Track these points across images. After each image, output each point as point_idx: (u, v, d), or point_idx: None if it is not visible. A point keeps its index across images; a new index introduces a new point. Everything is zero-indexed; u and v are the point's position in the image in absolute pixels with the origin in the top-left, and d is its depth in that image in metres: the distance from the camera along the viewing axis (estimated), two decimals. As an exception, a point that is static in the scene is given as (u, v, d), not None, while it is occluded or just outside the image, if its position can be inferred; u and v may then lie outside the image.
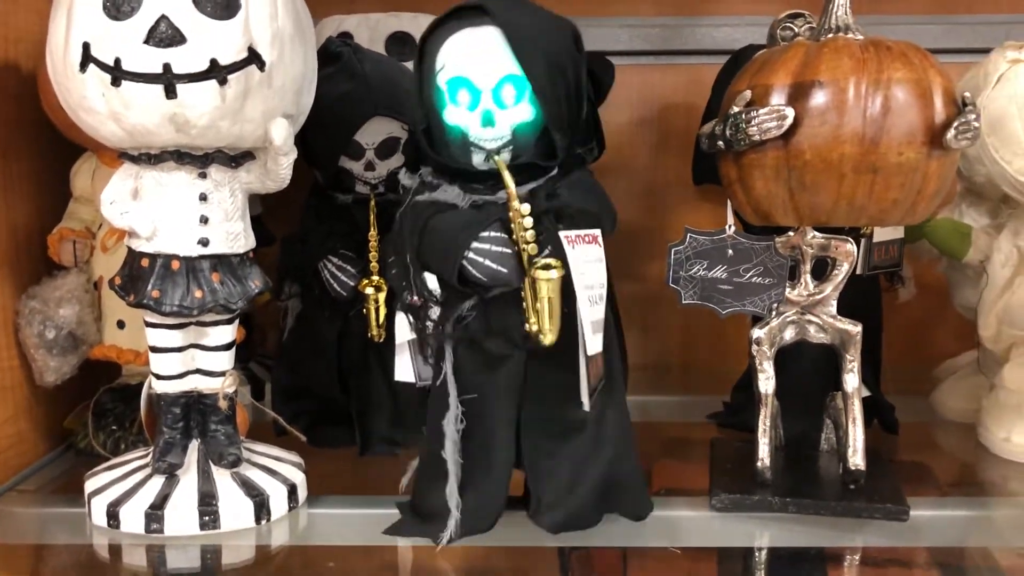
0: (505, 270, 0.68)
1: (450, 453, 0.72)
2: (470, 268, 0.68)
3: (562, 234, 0.68)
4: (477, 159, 0.70)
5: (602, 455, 0.74)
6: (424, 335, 0.75)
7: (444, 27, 0.70)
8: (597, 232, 0.70)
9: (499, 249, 0.68)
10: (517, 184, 0.68)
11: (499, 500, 0.74)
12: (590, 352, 0.69)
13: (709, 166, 0.99)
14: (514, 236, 0.68)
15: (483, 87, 0.69)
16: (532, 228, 0.67)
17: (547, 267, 0.67)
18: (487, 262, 0.68)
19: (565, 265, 0.67)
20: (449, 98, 0.69)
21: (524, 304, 0.68)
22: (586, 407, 0.70)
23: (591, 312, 0.68)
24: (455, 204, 0.71)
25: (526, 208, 0.68)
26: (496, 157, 0.69)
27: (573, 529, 0.74)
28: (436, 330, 0.73)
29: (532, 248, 0.67)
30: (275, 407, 0.97)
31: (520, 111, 0.69)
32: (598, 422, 0.74)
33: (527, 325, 0.68)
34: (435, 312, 0.73)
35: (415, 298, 0.72)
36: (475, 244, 0.68)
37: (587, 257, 0.69)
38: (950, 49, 1.17)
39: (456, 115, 0.69)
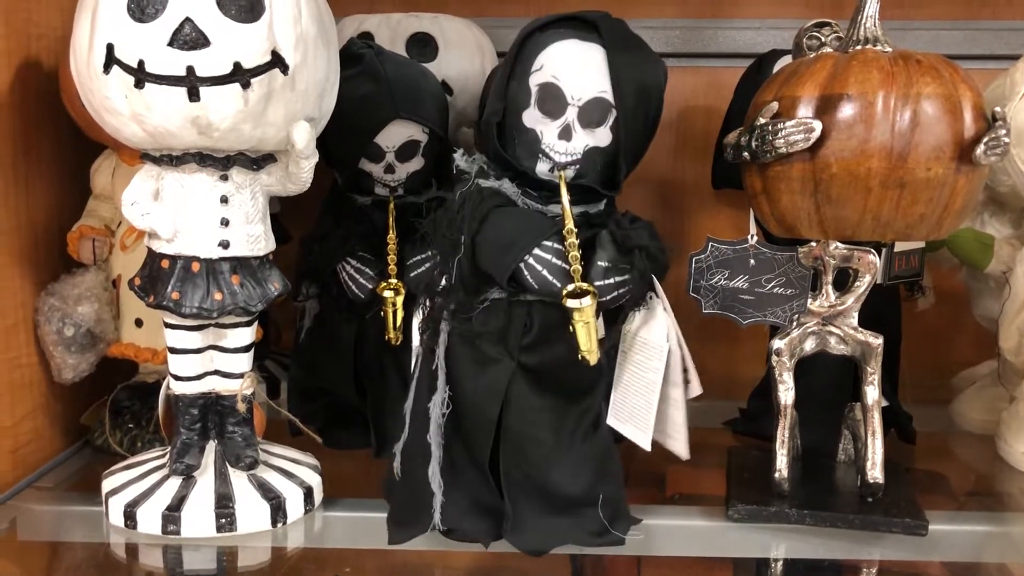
0: (559, 284, 0.68)
1: (434, 436, 0.73)
2: (525, 272, 0.68)
3: (661, 295, 0.71)
4: (542, 167, 0.70)
5: (578, 479, 0.73)
6: (435, 318, 0.74)
7: (552, 30, 0.70)
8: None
9: (558, 262, 0.68)
10: (572, 203, 0.68)
11: (480, 494, 0.73)
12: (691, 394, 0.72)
13: (728, 170, 0.98)
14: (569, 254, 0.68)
15: (572, 101, 0.69)
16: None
17: (580, 293, 0.67)
18: (544, 272, 0.68)
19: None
20: (535, 100, 0.69)
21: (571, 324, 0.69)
22: (685, 454, 0.73)
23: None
24: (515, 201, 0.71)
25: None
26: (560, 172, 0.69)
27: (545, 549, 0.72)
28: (440, 310, 0.73)
29: (575, 271, 0.67)
30: (290, 407, 0.97)
31: (599, 134, 0.69)
32: (576, 445, 0.73)
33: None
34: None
35: (445, 280, 0.72)
36: (537, 251, 0.68)
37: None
38: (974, 55, 1.16)
39: (536, 119, 0.69)
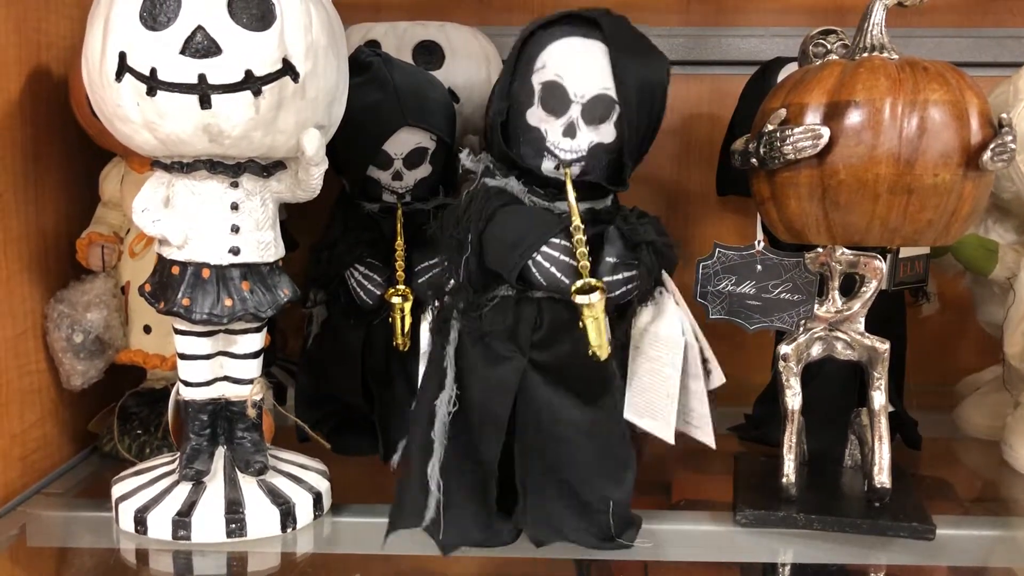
0: (567, 281, 0.68)
1: (438, 434, 0.73)
2: (533, 269, 0.69)
3: (672, 288, 0.72)
4: (547, 165, 0.71)
5: (589, 475, 0.74)
6: (444, 316, 0.75)
7: (553, 29, 0.70)
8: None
9: (566, 259, 0.69)
10: (578, 201, 0.69)
11: (478, 501, 0.73)
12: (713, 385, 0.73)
13: (733, 177, 0.99)
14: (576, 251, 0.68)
15: (575, 98, 0.69)
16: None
17: (589, 289, 0.67)
18: (552, 269, 0.68)
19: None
20: (539, 99, 0.69)
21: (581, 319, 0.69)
22: (711, 443, 0.73)
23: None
24: (521, 199, 0.71)
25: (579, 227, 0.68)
26: (566, 169, 0.69)
27: (547, 541, 0.73)
28: (449, 308, 0.73)
29: (582, 267, 0.67)
30: (298, 413, 0.98)
31: (603, 131, 0.70)
32: (590, 441, 0.73)
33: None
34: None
35: (454, 279, 0.72)
36: (545, 248, 0.68)
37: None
38: (977, 63, 1.16)
39: (540, 117, 0.70)
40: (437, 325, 0.75)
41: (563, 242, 0.69)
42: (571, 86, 0.69)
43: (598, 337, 0.68)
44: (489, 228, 0.69)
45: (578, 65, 0.69)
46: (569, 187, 0.69)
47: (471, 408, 0.73)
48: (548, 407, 0.72)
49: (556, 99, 0.69)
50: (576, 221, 0.68)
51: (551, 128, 0.70)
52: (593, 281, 0.68)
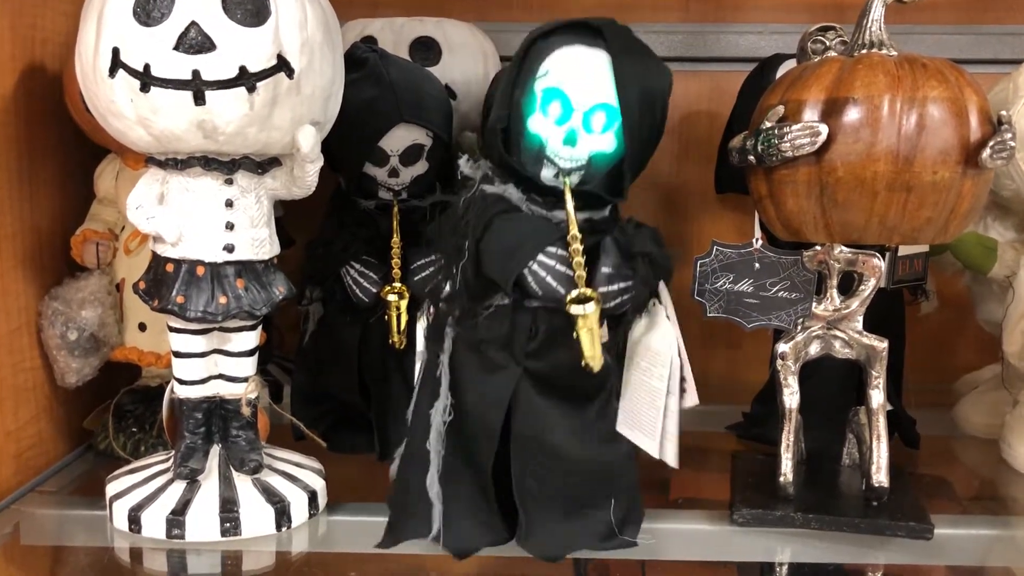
0: (563, 290, 0.68)
1: (434, 444, 0.72)
2: (529, 278, 0.68)
3: (666, 297, 0.71)
4: (546, 173, 0.70)
5: (589, 483, 0.73)
6: (439, 324, 0.74)
7: (558, 36, 0.69)
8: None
9: (562, 269, 0.68)
10: (576, 210, 0.68)
11: (481, 506, 0.73)
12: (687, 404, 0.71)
13: (732, 175, 0.98)
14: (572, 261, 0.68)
15: (577, 106, 0.68)
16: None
17: (583, 299, 0.67)
18: (548, 278, 0.68)
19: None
20: (540, 106, 0.69)
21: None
22: (674, 463, 0.72)
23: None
24: (519, 207, 0.71)
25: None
26: (566, 178, 0.69)
27: (561, 555, 0.72)
28: (445, 316, 0.73)
29: (579, 278, 0.67)
30: (294, 411, 0.97)
31: (604, 140, 0.69)
32: (588, 450, 0.73)
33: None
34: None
35: (450, 286, 0.72)
36: (542, 257, 0.68)
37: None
38: (977, 60, 1.16)
39: (541, 125, 0.69)
40: (432, 332, 0.75)
41: (559, 251, 0.68)
42: (573, 95, 0.68)
43: (591, 348, 0.67)
44: (486, 236, 0.69)
45: (581, 74, 0.69)
46: (568, 196, 0.68)
47: (466, 416, 0.72)
48: (543, 417, 0.72)
49: (557, 107, 0.69)
50: (574, 231, 0.67)
51: (552, 135, 0.69)
52: (588, 291, 0.67)
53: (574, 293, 0.67)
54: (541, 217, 0.71)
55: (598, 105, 0.68)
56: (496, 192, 0.71)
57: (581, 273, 0.67)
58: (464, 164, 0.73)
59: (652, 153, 0.73)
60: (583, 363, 0.68)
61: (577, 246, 0.67)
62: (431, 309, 0.75)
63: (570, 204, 0.68)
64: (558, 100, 0.69)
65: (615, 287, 0.69)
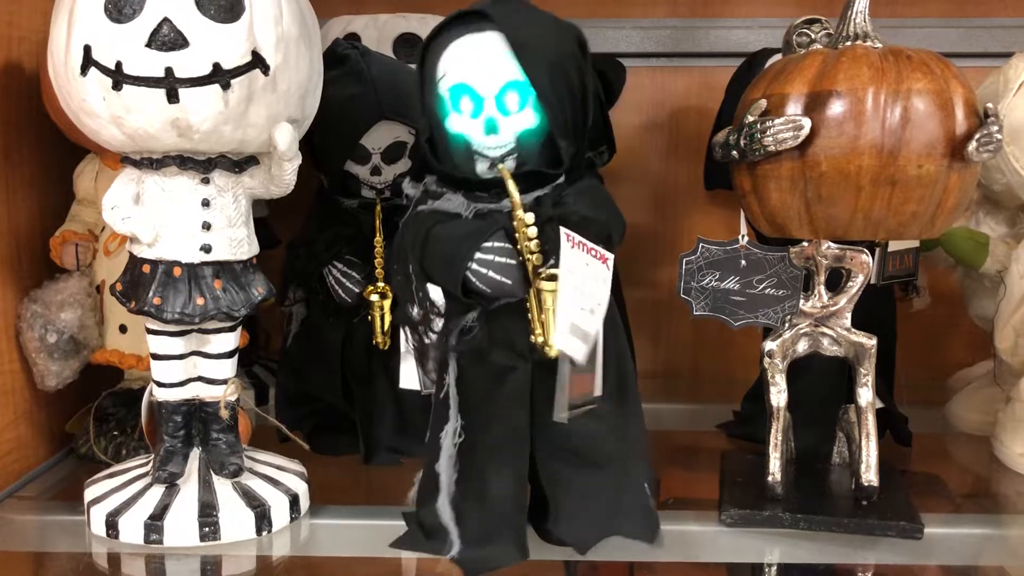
0: (509, 281, 0.66)
1: (444, 467, 0.71)
2: (473, 279, 0.67)
3: (563, 231, 0.65)
4: (481, 168, 0.69)
5: (616, 469, 0.73)
6: (423, 349, 0.73)
7: (446, 33, 0.68)
8: (609, 255, 0.68)
9: (502, 260, 0.66)
10: (522, 192, 0.67)
11: (513, 511, 0.72)
12: (576, 358, 0.66)
13: (720, 171, 0.97)
14: (519, 246, 0.66)
15: (486, 94, 0.67)
16: (537, 237, 0.66)
17: (552, 277, 0.65)
18: (490, 273, 0.66)
19: (557, 263, 0.65)
20: (451, 106, 0.68)
21: (529, 315, 0.67)
22: (561, 418, 0.68)
23: (577, 317, 0.66)
24: (459, 214, 0.69)
25: (530, 217, 0.66)
26: (500, 165, 0.68)
27: (595, 542, 0.72)
28: (440, 341, 0.72)
29: (537, 258, 0.66)
30: (278, 413, 0.96)
31: (524, 118, 0.68)
32: (614, 434, 0.72)
33: (533, 336, 0.67)
34: (438, 324, 0.72)
35: (417, 311, 0.71)
36: (478, 255, 0.66)
37: (591, 272, 0.67)
38: (967, 53, 1.15)
39: (459, 123, 0.68)
40: (432, 364, 0.73)
41: (496, 244, 0.67)
42: (478, 84, 0.67)
43: (553, 328, 0.66)
44: (425, 252, 0.68)
45: (477, 62, 0.67)
46: (508, 182, 0.66)
47: (490, 426, 0.71)
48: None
49: (467, 101, 0.67)
50: (519, 214, 0.66)
51: (472, 130, 0.68)
52: (555, 271, 0.65)
53: (542, 271, 0.65)
54: (492, 211, 0.69)
55: (505, 86, 0.67)
56: (428, 209, 0.70)
57: (538, 254, 0.65)
58: (407, 186, 0.72)
59: (588, 116, 0.70)
60: (540, 344, 0.66)
61: (524, 229, 0.65)
62: (415, 346, 0.74)
63: (512, 188, 0.66)
64: (465, 94, 0.67)
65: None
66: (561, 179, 0.70)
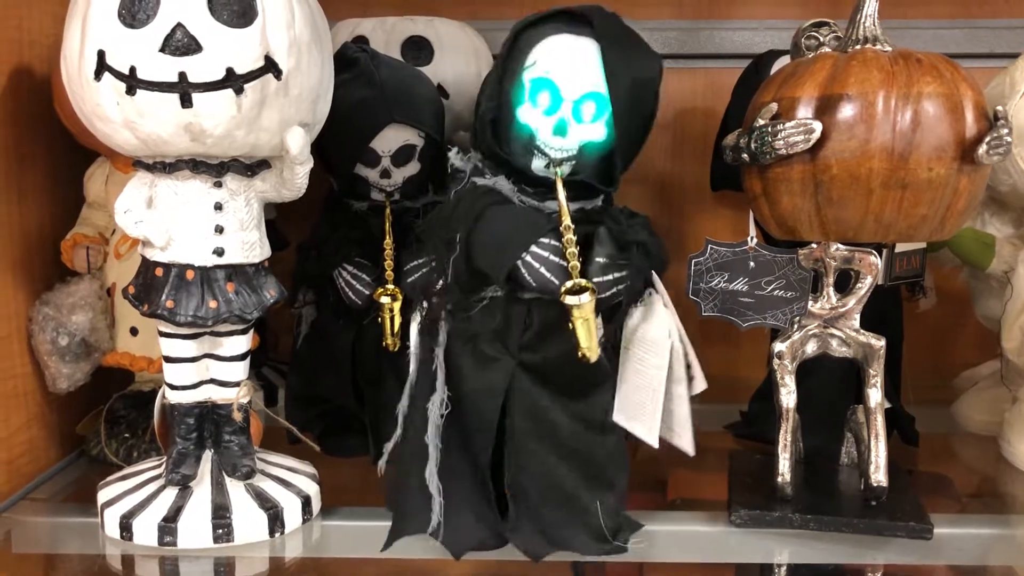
0: (557, 282, 0.67)
1: (432, 438, 0.72)
2: (523, 270, 0.67)
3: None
4: (537, 164, 0.70)
5: (584, 480, 0.73)
6: (435, 316, 0.73)
7: (545, 25, 0.69)
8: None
9: (556, 259, 0.68)
10: (569, 200, 0.68)
11: (479, 501, 0.72)
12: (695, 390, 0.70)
13: (727, 172, 0.98)
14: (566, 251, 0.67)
15: (566, 96, 0.68)
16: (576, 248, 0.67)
17: (579, 290, 0.66)
18: (542, 269, 0.67)
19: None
20: (529, 96, 0.68)
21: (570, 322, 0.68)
22: (690, 450, 0.71)
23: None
24: (510, 199, 0.70)
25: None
26: (557, 170, 0.68)
27: (546, 553, 0.71)
28: (438, 303, 0.72)
29: (575, 268, 0.66)
30: (288, 414, 0.97)
31: (595, 129, 0.69)
32: (583, 445, 0.72)
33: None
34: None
35: (443, 281, 0.71)
36: (535, 248, 0.67)
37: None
38: (973, 54, 1.16)
39: (530, 115, 0.69)
40: (425, 326, 0.74)
41: (552, 242, 0.68)
42: (562, 84, 0.68)
43: (588, 339, 0.67)
44: (477, 228, 0.68)
45: (569, 63, 0.68)
46: (559, 186, 0.68)
47: (463, 409, 0.72)
48: (538, 409, 0.71)
49: (546, 96, 0.68)
50: (566, 221, 0.67)
51: (542, 126, 0.69)
52: (583, 282, 0.67)
53: (568, 284, 0.67)
54: (533, 208, 0.70)
55: (587, 94, 0.68)
56: (487, 184, 0.71)
57: (575, 263, 0.67)
58: (455, 157, 0.73)
59: (644, 142, 0.72)
60: (580, 354, 0.68)
61: (570, 236, 0.66)
62: (424, 304, 0.75)
63: (562, 194, 0.67)
64: (547, 90, 0.68)
65: (610, 277, 0.69)
66: (601, 197, 0.71)
